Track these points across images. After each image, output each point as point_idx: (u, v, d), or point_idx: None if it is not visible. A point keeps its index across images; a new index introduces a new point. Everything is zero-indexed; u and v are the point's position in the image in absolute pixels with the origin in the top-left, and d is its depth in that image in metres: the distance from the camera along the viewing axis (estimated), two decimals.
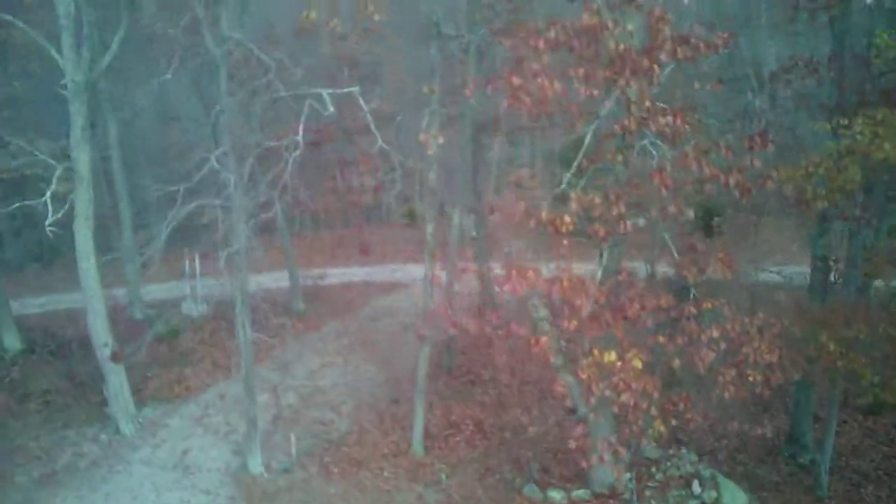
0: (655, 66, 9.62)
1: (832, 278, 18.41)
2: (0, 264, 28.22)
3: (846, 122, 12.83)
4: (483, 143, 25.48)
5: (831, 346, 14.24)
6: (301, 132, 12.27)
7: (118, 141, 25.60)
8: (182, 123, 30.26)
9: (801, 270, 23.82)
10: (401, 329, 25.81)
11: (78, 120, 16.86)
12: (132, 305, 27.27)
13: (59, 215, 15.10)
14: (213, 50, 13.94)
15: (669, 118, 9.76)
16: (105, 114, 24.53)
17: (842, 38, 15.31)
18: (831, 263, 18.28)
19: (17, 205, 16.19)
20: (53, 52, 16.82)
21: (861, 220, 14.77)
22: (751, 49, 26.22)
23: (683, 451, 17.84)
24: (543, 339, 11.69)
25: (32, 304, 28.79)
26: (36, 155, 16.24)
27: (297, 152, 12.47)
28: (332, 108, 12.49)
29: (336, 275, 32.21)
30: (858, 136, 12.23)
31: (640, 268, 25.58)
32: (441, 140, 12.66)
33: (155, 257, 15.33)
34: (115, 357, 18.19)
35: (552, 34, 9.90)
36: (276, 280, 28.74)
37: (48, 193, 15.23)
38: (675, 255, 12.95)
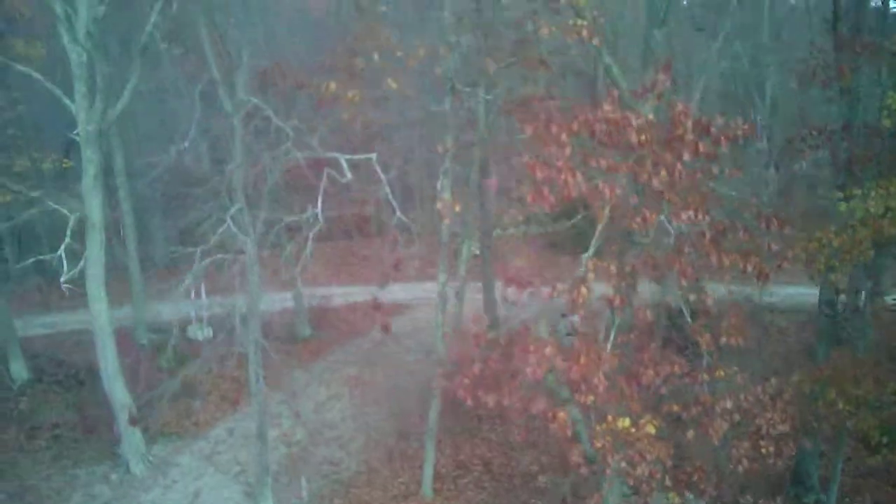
0: (679, 164, 9.71)
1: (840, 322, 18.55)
2: (1, 280, 28.01)
3: (858, 192, 12.90)
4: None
5: (840, 405, 14.39)
6: (320, 206, 12.34)
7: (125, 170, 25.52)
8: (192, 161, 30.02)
9: (804, 291, 23.81)
10: (407, 358, 25.85)
11: (90, 168, 16.83)
12: (137, 330, 27.26)
13: (75, 271, 15.08)
14: (229, 111, 13.93)
15: (691, 213, 9.85)
16: (114, 151, 24.47)
17: (852, 107, 15.40)
18: (839, 306, 18.42)
19: (32, 260, 16.15)
20: (66, 100, 16.79)
21: (874, 293, 14.91)
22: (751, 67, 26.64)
23: (689, 496, 17.98)
24: (562, 414, 11.82)
25: (36, 325, 28.65)
26: (49, 205, 16.22)
27: (318, 227, 12.51)
28: (349, 176, 12.51)
29: (340, 294, 32.17)
30: (871, 209, 12.30)
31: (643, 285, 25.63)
32: (458, 208, 12.68)
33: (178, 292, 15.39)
34: (133, 421, 18.24)
35: (575, 126, 9.98)
36: (281, 301, 28.68)
37: (62, 247, 15.19)
38: (689, 318, 13.09)
